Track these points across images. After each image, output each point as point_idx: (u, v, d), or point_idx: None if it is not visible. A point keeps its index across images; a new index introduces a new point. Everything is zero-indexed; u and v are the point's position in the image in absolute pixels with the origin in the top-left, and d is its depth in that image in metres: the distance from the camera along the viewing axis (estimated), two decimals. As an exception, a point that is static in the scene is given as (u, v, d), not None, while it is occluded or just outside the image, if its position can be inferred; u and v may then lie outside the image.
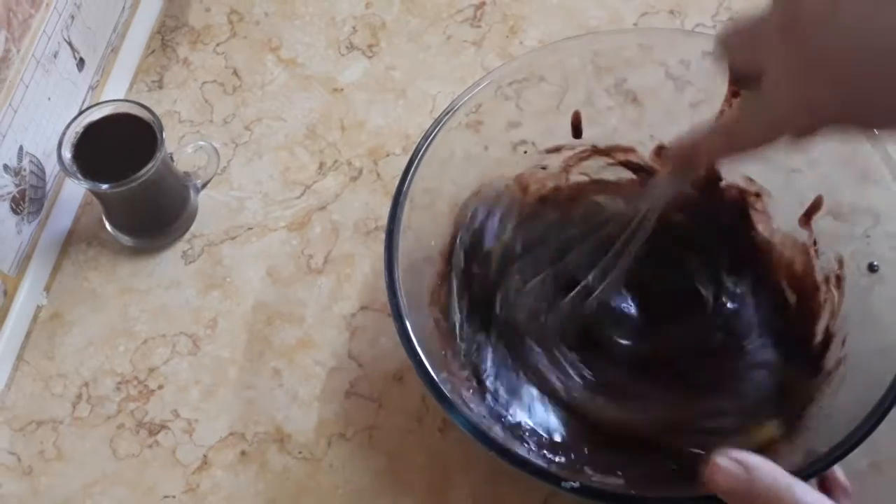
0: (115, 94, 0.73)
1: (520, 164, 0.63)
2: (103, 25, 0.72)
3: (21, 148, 0.63)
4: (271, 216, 0.69)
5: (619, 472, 0.55)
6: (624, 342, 0.61)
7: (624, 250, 0.57)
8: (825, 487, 0.48)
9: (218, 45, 0.75)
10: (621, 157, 0.64)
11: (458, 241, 0.61)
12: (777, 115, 0.44)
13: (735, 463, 0.43)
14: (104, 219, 0.67)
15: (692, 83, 0.61)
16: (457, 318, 0.60)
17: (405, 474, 0.60)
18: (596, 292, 0.59)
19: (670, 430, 0.57)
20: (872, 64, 0.39)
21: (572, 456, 0.56)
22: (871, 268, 0.56)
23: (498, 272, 0.62)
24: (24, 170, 0.64)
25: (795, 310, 0.60)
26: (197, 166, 0.69)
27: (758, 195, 0.62)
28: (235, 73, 0.74)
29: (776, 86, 0.43)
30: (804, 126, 0.43)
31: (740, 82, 0.48)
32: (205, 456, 0.61)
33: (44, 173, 0.67)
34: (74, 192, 0.69)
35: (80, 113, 0.63)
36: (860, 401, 0.50)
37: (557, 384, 0.59)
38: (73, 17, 0.68)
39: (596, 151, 0.64)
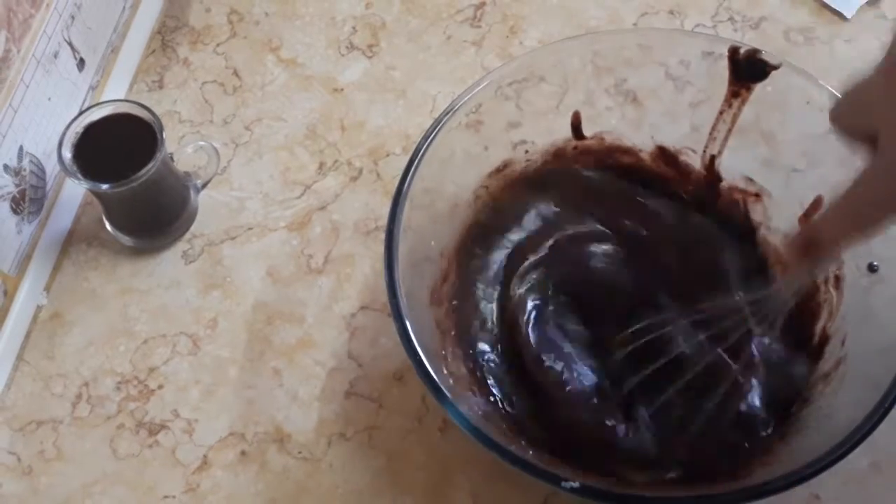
0: (116, 95, 0.73)
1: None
2: (104, 25, 0.72)
3: (21, 148, 0.63)
4: (271, 216, 0.69)
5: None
6: (624, 338, 0.61)
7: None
8: None
9: (218, 45, 0.75)
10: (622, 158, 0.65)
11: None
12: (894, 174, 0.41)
13: None
14: (104, 219, 0.67)
15: (692, 83, 0.61)
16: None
17: (405, 474, 0.60)
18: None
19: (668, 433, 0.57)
20: None
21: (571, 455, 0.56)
22: (871, 268, 0.56)
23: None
24: (25, 170, 0.64)
25: (795, 310, 0.60)
26: (197, 166, 0.69)
27: (758, 195, 0.62)
28: (235, 73, 0.74)
29: (888, 143, 0.41)
30: None
31: (859, 150, 0.44)
32: (205, 456, 0.61)
33: (44, 173, 0.67)
34: (74, 192, 0.69)
35: (81, 113, 0.63)
36: (860, 401, 0.50)
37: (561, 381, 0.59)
38: (73, 18, 0.68)
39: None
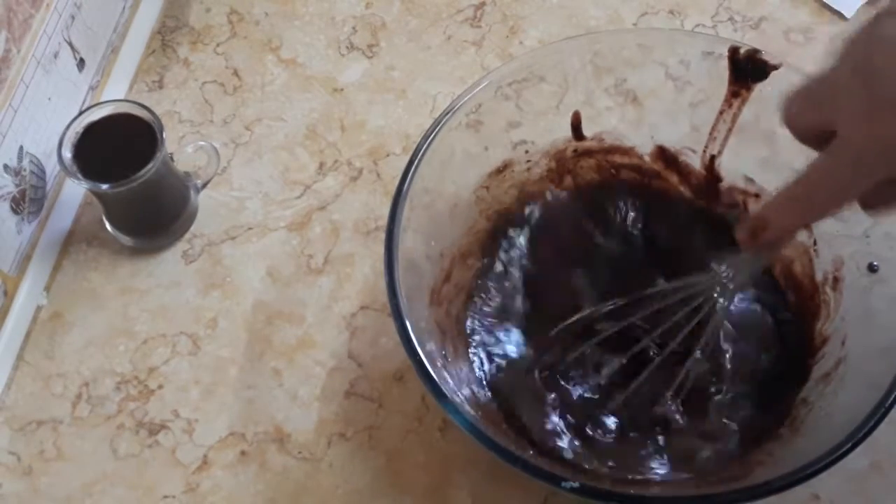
0: (116, 95, 0.73)
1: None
2: (104, 26, 0.72)
3: (21, 148, 0.63)
4: (271, 216, 0.69)
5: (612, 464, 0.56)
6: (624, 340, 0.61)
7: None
8: None
9: (218, 45, 0.75)
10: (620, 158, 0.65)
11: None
12: (852, 164, 0.42)
13: None
14: (104, 219, 0.67)
15: (692, 83, 0.61)
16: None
17: (405, 474, 0.60)
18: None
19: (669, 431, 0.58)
20: None
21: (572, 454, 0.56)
22: (871, 268, 0.56)
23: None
24: (25, 170, 0.64)
25: (795, 311, 0.60)
26: (197, 166, 0.69)
27: (757, 195, 0.62)
28: (235, 73, 0.74)
29: (850, 133, 0.41)
30: (879, 173, 0.41)
31: (810, 143, 0.45)
32: (205, 456, 0.61)
33: (44, 173, 0.67)
34: (74, 192, 0.69)
35: (81, 113, 0.63)
36: (860, 401, 0.50)
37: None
38: (73, 18, 0.68)
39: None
